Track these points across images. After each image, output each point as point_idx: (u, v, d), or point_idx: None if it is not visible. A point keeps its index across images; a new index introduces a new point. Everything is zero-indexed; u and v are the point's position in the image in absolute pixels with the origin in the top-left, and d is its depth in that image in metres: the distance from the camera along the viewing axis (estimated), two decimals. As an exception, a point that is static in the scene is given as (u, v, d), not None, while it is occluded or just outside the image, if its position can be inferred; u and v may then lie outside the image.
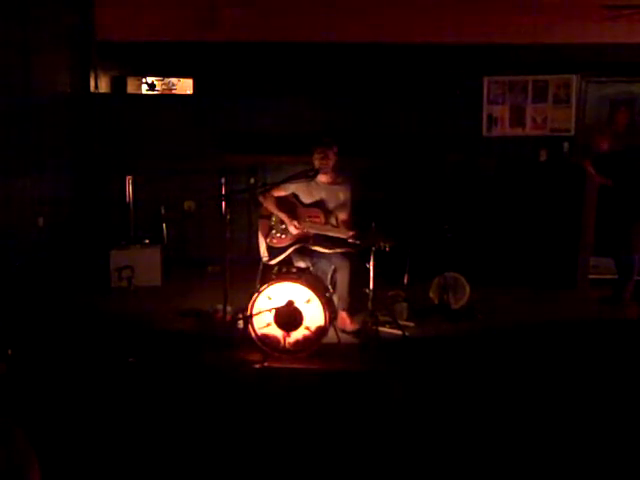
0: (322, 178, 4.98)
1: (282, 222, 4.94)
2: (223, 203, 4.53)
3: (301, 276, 4.43)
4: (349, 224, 4.89)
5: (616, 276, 5.61)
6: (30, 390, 3.63)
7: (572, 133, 6.69)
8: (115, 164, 6.64)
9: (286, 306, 4.27)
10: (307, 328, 4.29)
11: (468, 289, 5.35)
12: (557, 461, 3.05)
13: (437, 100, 6.69)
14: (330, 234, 4.84)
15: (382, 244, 4.37)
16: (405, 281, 5.36)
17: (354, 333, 4.77)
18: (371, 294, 4.48)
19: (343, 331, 4.73)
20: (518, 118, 6.73)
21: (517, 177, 6.57)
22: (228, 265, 4.54)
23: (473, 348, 4.61)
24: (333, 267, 4.94)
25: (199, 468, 2.97)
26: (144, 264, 6.04)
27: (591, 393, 3.77)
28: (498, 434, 3.29)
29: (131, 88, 6.70)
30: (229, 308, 4.70)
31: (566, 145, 6.67)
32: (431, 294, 5.46)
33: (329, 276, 4.99)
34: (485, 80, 6.71)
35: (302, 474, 2.97)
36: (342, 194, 4.98)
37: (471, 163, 6.65)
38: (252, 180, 6.58)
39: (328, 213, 4.93)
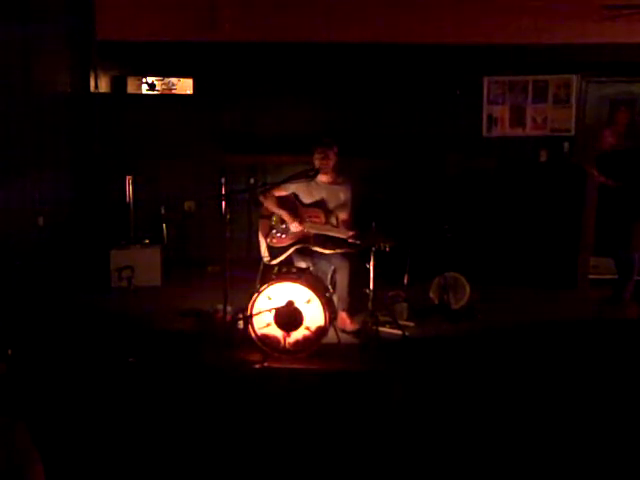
0: (322, 178, 4.98)
1: (282, 222, 4.94)
2: (223, 203, 4.53)
3: (301, 276, 4.43)
4: (349, 224, 4.89)
5: (616, 276, 5.61)
6: (30, 390, 3.63)
7: (572, 133, 6.69)
8: (115, 164, 6.64)
9: (286, 306, 4.27)
10: (307, 328, 4.29)
11: (468, 289, 5.35)
12: (557, 461, 3.05)
13: (437, 100, 6.69)
14: (330, 234, 4.84)
15: (382, 244, 4.37)
16: (405, 281, 5.36)
17: (354, 333, 4.77)
18: (371, 294, 4.48)
19: (343, 331, 4.73)
20: (518, 118, 6.73)
21: (517, 177, 6.57)
22: (228, 265, 4.53)
23: (473, 348, 4.61)
24: (333, 267, 4.94)
25: (199, 468, 2.97)
26: (144, 264, 6.04)
27: (591, 393, 3.77)
28: (498, 434, 3.29)
29: (131, 88, 6.69)
30: (229, 308, 4.69)
31: (566, 145, 6.68)
32: (431, 294, 5.46)
33: (329, 276, 4.99)
34: (485, 80, 6.71)
35: (302, 474, 2.97)
36: (342, 194, 4.98)
37: (471, 163, 6.65)
38: (252, 180, 6.58)
39: (328, 213, 4.93)
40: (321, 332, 4.29)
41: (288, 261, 4.89)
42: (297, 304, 4.26)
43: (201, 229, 6.71)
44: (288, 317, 4.28)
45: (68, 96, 6.33)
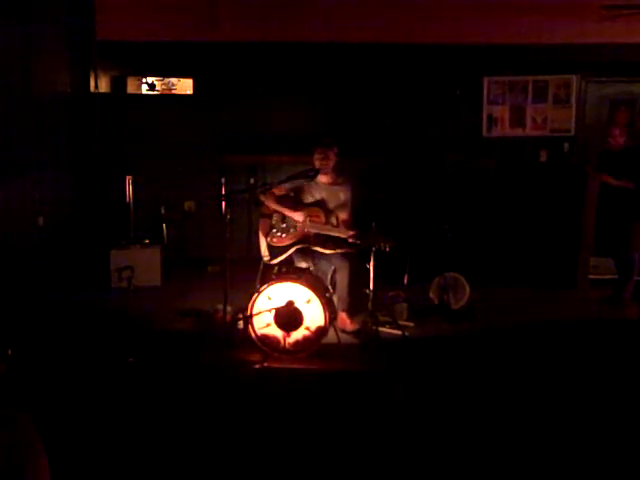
0: (322, 178, 4.98)
1: (283, 221, 4.94)
2: (223, 203, 4.53)
3: (301, 276, 4.43)
4: (349, 224, 4.89)
5: (616, 276, 5.61)
6: (30, 390, 3.63)
7: (572, 133, 6.69)
8: (115, 164, 6.64)
9: (286, 306, 4.27)
10: (307, 328, 4.29)
11: (468, 289, 5.35)
12: (557, 461, 3.05)
13: (437, 100, 6.69)
14: (330, 234, 4.84)
15: (382, 244, 4.37)
16: (405, 281, 5.36)
17: (354, 333, 4.77)
18: (371, 294, 4.48)
19: (343, 331, 4.73)
20: (518, 118, 6.73)
21: (517, 177, 6.57)
22: (228, 265, 4.53)
23: (473, 348, 4.61)
24: (333, 267, 4.94)
25: (199, 468, 2.97)
26: (144, 264, 6.03)
27: (591, 393, 3.77)
28: (498, 434, 3.29)
29: (131, 88, 6.69)
30: (229, 308, 4.69)
31: (566, 145, 6.68)
32: (431, 294, 5.46)
33: (329, 276, 4.99)
34: (485, 80, 6.71)
35: (302, 474, 2.97)
36: (342, 194, 4.98)
37: (471, 163, 6.65)
38: (252, 180, 6.59)
39: (328, 213, 4.93)
40: (321, 332, 4.29)
41: (288, 261, 4.90)
42: (297, 304, 4.26)
43: (201, 229, 6.71)
44: (288, 317, 4.28)
45: (68, 96, 6.33)
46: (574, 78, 6.63)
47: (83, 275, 6.07)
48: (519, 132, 6.74)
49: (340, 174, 5.03)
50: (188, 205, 6.80)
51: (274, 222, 4.96)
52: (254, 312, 4.32)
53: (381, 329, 4.60)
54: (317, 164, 4.91)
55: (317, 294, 4.27)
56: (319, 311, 4.26)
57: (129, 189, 6.53)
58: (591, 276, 6.13)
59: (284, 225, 4.92)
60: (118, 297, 5.73)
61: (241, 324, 4.45)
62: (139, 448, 3.10)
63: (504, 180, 6.59)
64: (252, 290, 4.46)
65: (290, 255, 4.87)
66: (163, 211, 6.67)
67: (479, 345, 4.68)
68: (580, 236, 6.06)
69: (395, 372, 4.10)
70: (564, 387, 3.87)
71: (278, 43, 6.62)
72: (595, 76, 6.64)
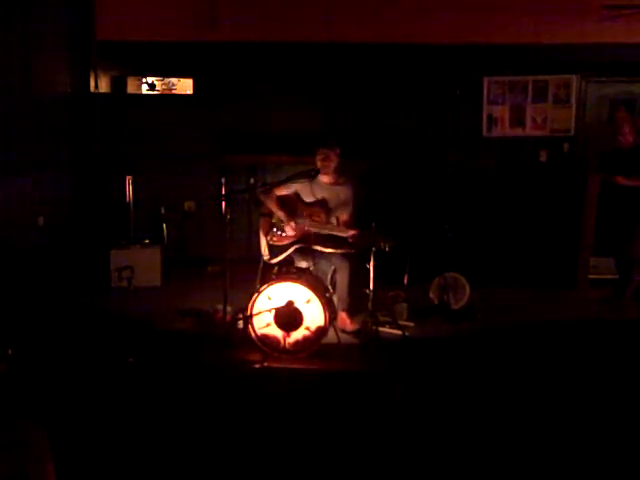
0: (324, 178, 4.99)
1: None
2: (223, 203, 4.53)
3: (301, 276, 4.43)
4: (350, 225, 4.88)
5: (616, 276, 5.61)
6: (30, 390, 3.63)
7: (572, 133, 6.69)
8: (115, 164, 6.64)
9: (286, 306, 4.27)
10: (307, 328, 4.29)
11: (468, 289, 5.35)
12: (557, 461, 3.05)
13: (437, 100, 6.69)
14: (331, 233, 4.84)
15: (382, 244, 4.37)
16: (405, 281, 5.35)
17: (354, 333, 4.77)
18: (371, 294, 4.48)
19: (343, 331, 4.73)
20: (518, 118, 6.73)
21: (517, 177, 6.57)
22: (228, 265, 4.53)
23: (473, 348, 4.61)
24: (333, 267, 4.94)
25: (199, 468, 2.97)
26: (144, 264, 6.03)
27: (591, 393, 3.77)
28: (498, 434, 3.29)
29: (131, 88, 6.69)
30: (229, 308, 4.69)
31: (566, 145, 6.68)
32: (431, 294, 5.46)
33: (329, 276, 4.99)
34: (485, 80, 6.71)
35: (302, 474, 2.97)
36: (343, 194, 4.98)
37: (471, 163, 6.65)
38: (252, 180, 6.59)
39: (329, 212, 4.93)
40: (321, 332, 4.29)
41: (288, 260, 4.90)
42: (297, 304, 4.26)
43: (201, 229, 6.71)
44: (288, 317, 4.28)
45: (68, 96, 6.33)
46: (574, 78, 6.63)
47: (83, 275, 6.07)
48: (519, 132, 6.74)
49: (342, 175, 5.04)
50: (188, 205, 6.80)
51: (274, 221, 4.96)
52: (254, 312, 4.32)
53: (381, 329, 4.60)
54: (319, 164, 4.92)
55: (317, 294, 4.27)
56: (319, 311, 4.26)
57: (129, 189, 6.53)
58: (591, 276, 6.12)
59: (284, 224, 4.92)
60: (118, 297, 5.74)
61: (241, 324, 4.45)
62: (139, 448, 3.10)
63: (504, 180, 6.59)
64: (252, 290, 4.46)
65: (290, 254, 4.88)
66: (163, 211, 6.67)
67: (479, 345, 4.68)
68: (580, 236, 6.06)
69: (395, 372, 4.10)
70: (564, 387, 3.87)
71: (278, 43, 6.62)
72: (595, 76, 6.63)
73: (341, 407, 3.57)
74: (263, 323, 4.33)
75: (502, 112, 6.73)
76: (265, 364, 4.17)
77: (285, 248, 4.86)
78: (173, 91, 6.75)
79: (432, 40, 6.57)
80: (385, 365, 4.24)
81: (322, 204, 4.96)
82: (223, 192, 4.57)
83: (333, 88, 6.72)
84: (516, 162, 6.67)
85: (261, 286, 4.39)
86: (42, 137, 5.70)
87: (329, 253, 4.84)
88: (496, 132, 6.76)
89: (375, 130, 6.70)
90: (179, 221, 6.77)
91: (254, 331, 4.34)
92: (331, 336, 4.42)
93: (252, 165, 6.66)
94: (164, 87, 6.73)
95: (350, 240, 4.68)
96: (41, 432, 1.80)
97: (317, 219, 4.89)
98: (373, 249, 4.41)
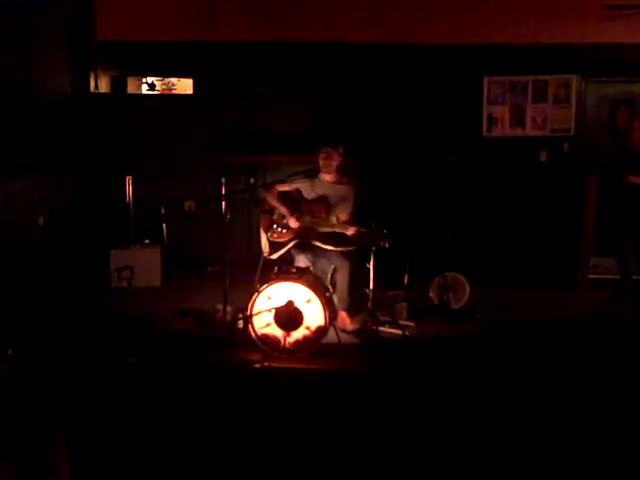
0: (326, 177, 5.01)
1: (284, 217, 4.95)
2: (223, 203, 4.54)
3: (301, 276, 4.43)
4: (350, 224, 4.89)
5: (616, 276, 5.61)
6: (30, 390, 3.63)
7: (572, 133, 6.68)
8: (115, 164, 6.64)
9: (286, 306, 4.27)
10: (307, 328, 4.29)
11: (468, 289, 5.35)
12: (557, 461, 3.05)
13: (437, 100, 6.68)
14: (332, 229, 4.85)
15: (382, 242, 4.37)
16: (405, 281, 5.36)
17: (354, 333, 4.78)
18: (371, 294, 4.48)
19: (343, 331, 4.73)
20: (518, 118, 6.72)
21: (517, 177, 6.57)
22: (228, 265, 4.54)
23: (473, 348, 4.61)
24: (333, 267, 4.94)
25: (199, 468, 2.97)
26: (144, 264, 6.04)
27: (591, 393, 3.77)
28: (498, 434, 3.29)
29: (131, 88, 6.69)
30: (229, 308, 4.70)
31: (566, 145, 6.67)
32: (431, 294, 5.46)
33: (329, 276, 5.00)
34: (485, 80, 6.70)
35: (302, 474, 2.97)
36: (344, 193, 4.99)
37: (471, 163, 6.65)
38: (252, 180, 6.58)
39: (330, 210, 4.94)
40: (321, 332, 4.29)
41: (288, 259, 4.90)
42: (297, 304, 4.26)
43: (201, 229, 6.70)
44: (288, 317, 4.28)
45: (68, 96, 6.33)
46: (574, 78, 6.62)
47: (83, 275, 6.07)
48: (519, 132, 6.74)
49: (344, 174, 5.06)
50: (188, 205, 6.80)
51: (275, 218, 4.98)
52: (254, 312, 4.32)
53: (381, 329, 4.60)
54: (321, 163, 4.95)
55: (317, 294, 4.27)
56: (319, 311, 4.26)
57: (129, 189, 6.53)
58: (591, 276, 6.13)
59: (285, 221, 4.94)
60: (118, 297, 5.74)
61: (241, 324, 4.45)
62: (139, 448, 3.10)
63: (504, 180, 6.58)
64: (252, 290, 4.46)
65: (289, 252, 4.88)
66: (163, 211, 6.67)
67: (479, 345, 4.68)
68: (580, 236, 6.06)
69: (395, 372, 4.10)
70: (564, 387, 3.87)
71: (278, 43, 6.62)
72: (595, 76, 6.63)
73: (341, 407, 3.57)
74: (263, 323, 4.33)
75: (502, 112, 6.72)
76: (265, 364, 4.17)
77: (285, 244, 4.87)
78: (173, 91, 6.74)
79: (432, 40, 6.57)
80: (385, 365, 4.24)
81: (323, 202, 4.97)
82: (223, 192, 4.57)
83: (333, 88, 6.71)
84: (516, 162, 6.66)
85: (261, 283, 4.39)
86: (42, 137, 5.70)
87: (329, 252, 4.85)
88: (496, 132, 6.75)
89: (375, 130, 6.69)
90: (179, 221, 6.77)
91: (254, 331, 4.34)
92: (331, 336, 4.42)
93: (252, 165, 6.65)
94: (164, 87, 6.73)
95: (351, 237, 4.68)
96: (58, 434, 1.80)
97: (318, 216, 4.90)
98: (373, 248, 4.41)
